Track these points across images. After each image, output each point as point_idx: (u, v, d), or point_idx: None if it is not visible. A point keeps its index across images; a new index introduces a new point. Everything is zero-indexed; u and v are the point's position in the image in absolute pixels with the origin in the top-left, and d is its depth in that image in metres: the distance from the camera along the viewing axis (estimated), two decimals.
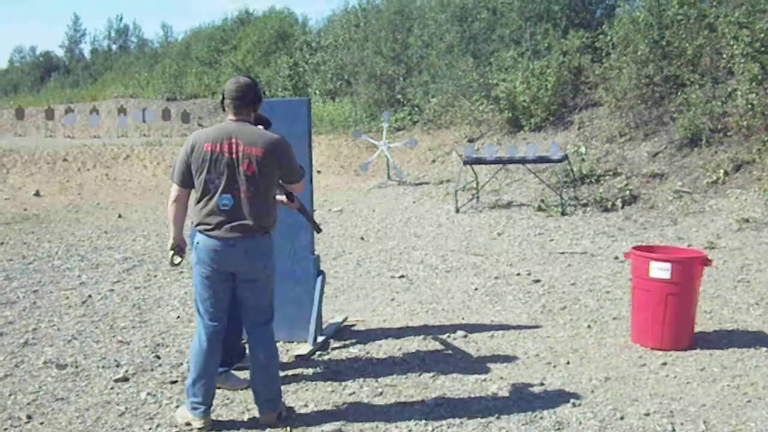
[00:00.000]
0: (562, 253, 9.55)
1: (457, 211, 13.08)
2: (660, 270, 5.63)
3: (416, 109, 20.40)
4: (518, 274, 8.41)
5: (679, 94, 13.54)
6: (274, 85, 28.81)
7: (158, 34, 63.98)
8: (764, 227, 10.02)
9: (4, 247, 10.52)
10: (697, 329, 6.21)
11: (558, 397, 4.85)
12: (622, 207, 12.08)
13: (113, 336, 6.50)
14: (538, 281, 8.07)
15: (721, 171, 11.72)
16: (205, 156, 4.29)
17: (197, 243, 4.40)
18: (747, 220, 10.26)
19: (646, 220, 11.30)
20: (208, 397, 4.47)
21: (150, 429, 4.57)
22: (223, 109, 4.49)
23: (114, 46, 57.46)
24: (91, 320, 6.99)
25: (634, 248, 6.04)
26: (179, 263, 4.67)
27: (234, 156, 4.27)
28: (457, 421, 4.52)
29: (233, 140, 4.29)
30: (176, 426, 4.57)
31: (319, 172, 18.80)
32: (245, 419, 4.63)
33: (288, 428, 4.45)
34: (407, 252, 9.89)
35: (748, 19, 12.28)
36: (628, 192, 12.33)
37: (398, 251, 9.95)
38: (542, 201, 12.88)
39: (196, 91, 32.41)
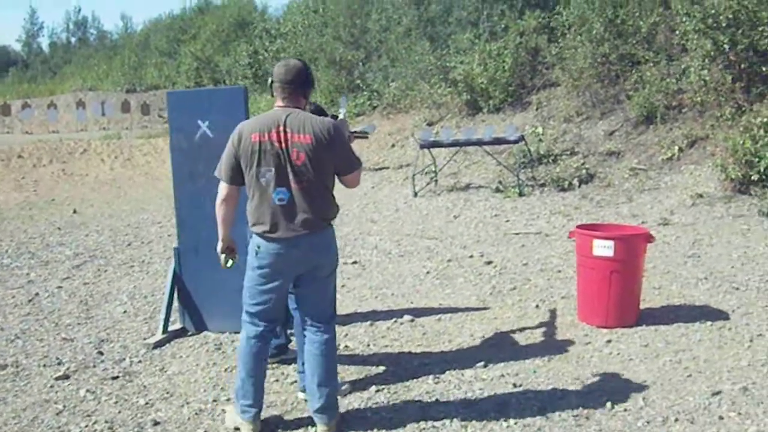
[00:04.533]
0: (517, 233, 9.54)
1: (415, 195, 13.04)
2: (603, 248, 5.62)
3: (375, 94, 20.29)
4: (471, 257, 8.39)
5: (634, 72, 13.59)
6: (234, 73, 28.52)
7: (118, 26, 63.30)
8: (717, 202, 10.09)
9: None
10: (644, 305, 6.24)
11: (500, 379, 4.83)
12: (579, 186, 12.11)
13: (58, 333, 6.38)
14: (490, 263, 8.05)
15: (676, 147, 11.79)
16: (253, 147, 3.93)
17: (258, 248, 4.04)
18: (701, 196, 10.33)
19: (602, 198, 11.34)
20: (259, 401, 4.17)
21: (86, 426, 4.48)
22: (272, 95, 4.11)
23: (73, 39, 56.63)
24: (36, 318, 6.85)
25: (579, 227, 6.02)
26: (232, 266, 4.33)
27: (283, 146, 3.91)
28: (396, 406, 4.48)
29: (281, 128, 3.93)
30: (110, 422, 4.48)
31: None
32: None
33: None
34: (362, 238, 9.83)
35: None
36: (584, 171, 12.37)
37: (353, 237, 9.89)
38: (500, 182, 12.88)
39: (156, 83, 32.02)
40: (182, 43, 33.97)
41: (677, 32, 12.76)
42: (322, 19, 24.84)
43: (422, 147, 13.38)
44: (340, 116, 4.50)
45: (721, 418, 4.14)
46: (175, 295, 6.19)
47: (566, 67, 14.78)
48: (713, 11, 11.47)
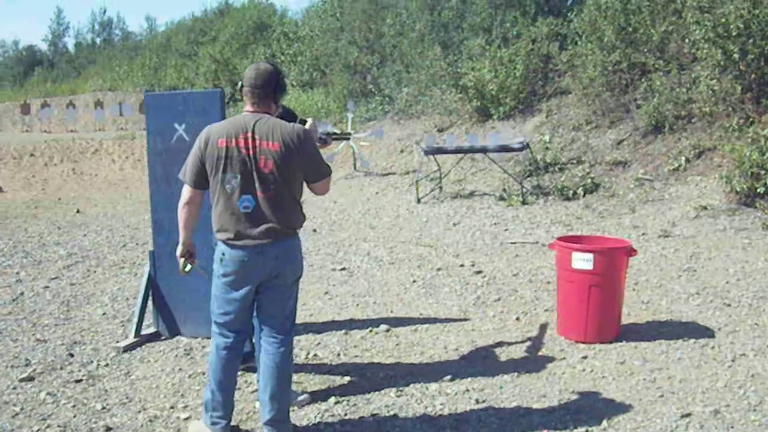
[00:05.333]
0: (513, 243, 9.39)
1: (419, 201, 12.91)
2: (582, 261, 5.46)
3: (387, 99, 20.19)
4: (462, 265, 8.25)
5: (644, 81, 13.37)
6: None
7: (142, 27, 63.68)
8: (721, 214, 9.86)
9: None
10: (629, 320, 6.08)
11: (464, 394, 4.68)
12: (584, 195, 11.90)
13: (33, 334, 6.32)
14: (479, 272, 7.90)
15: (683, 158, 11.55)
16: (219, 153, 3.85)
17: (222, 255, 3.96)
18: (705, 208, 10.10)
19: (605, 208, 11.14)
20: (228, 412, 4.08)
21: (38, 430, 4.40)
22: (241, 98, 3.98)
23: (98, 40, 57.08)
24: (16, 318, 6.81)
25: (559, 239, 5.87)
26: (190, 271, 4.23)
27: (250, 152, 3.83)
28: (352, 420, 4.35)
29: (249, 134, 3.84)
30: (63, 427, 4.40)
31: None
32: None
33: None
34: (357, 244, 9.72)
35: (711, 3, 12.08)
36: (589, 180, 12.16)
37: (348, 243, 9.78)
38: (504, 191, 12.72)
39: (175, 84, 32.11)
40: (201, 45, 34.05)
41: (687, 41, 12.53)
42: (338, 23, 24.78)
43: (426, 153, 13.25)
44: (309, 122, 4.39)
45: None
46: (150, 298, 6.12)
47: (577, 75, 14.59)
48: (724, 20, 11.24)
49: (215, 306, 4.09)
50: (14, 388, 5.10)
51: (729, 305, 6.45)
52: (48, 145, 18.92)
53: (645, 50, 13.62)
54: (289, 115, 4.70)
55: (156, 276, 6.07)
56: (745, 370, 4.97)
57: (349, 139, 5.62)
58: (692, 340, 5.58)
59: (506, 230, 10.33)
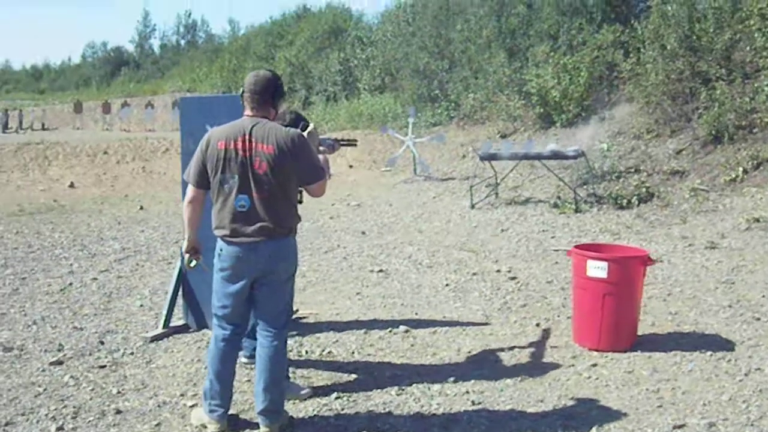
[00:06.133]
0: (556, 250, 9.35)
1: (472, 207, 12.93)
2: (597, 269, 5.46)
3: (453, 104, 20.25)
4: (498, 271, 8.27)
5: (707, 89, 13.10)
6: (325, 80, 28.98)
7: (225, 29, 65.16)
8: None
9: (17, 236, 10.87)
10: (652, 330, 6.05)
11: (462, 395, 4.75)
12: (638, 205, 11.73)
13: (72, 322, 6.65)
14: (514, 278, 7.92)
15: (740, 169, 11.30)
16: (219, 155, 4.07)
17: (220, 251, 4.18)
18: (757, 220, 9.85)
19: (657, 218, 10.97)
20: (226, 400, 4.27)
21: (55, 409, 4.67)
22: (243, 104, 4.26)
23: (182, 42, 58.74)
24: (59, 307, 7.16)
25: (577, 246, 5.87)
26: (195, 266, 4.45)
27: (247, 154, 4.04)
28: (348, 414, 4.48)
29: (246, 137, 4.05)
30: (77, 408, 4.66)
31: (351, 166, 18.89)
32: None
33: None
34: (401, 247, 9.83)
35: None
36: (644, 189, 11.98)
37: (392, 246, 9.90)
38: (558, 198, 12.64)
39: None
40: (279, 48, 34.77)
41: (749, 49, 12.24)
42: (410, 28, 24.98)
43: (482, 159, 13.27)
44: (310, 128, 4.56)
45: None
46: (180, 292, 6.37)
47: (639, 83, 14.39)
48: None
49: (215, 299, 4.31)
50: (43, 371, 5.41)
51: (759, 319, 6.31)
52: (122, 144, 19.64)
53: (709, 59, 13.35)
54: (298, 119, 4.86)
55: (186, 271, 6.30)
56: (755, 384, 4.89)
57: (356, 145, 5.75)
58: (709, 353, 5.50)
59: (553, 237, 10.29)
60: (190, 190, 4.27)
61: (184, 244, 4.41)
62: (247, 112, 4.21)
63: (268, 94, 4.19)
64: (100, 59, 59.92)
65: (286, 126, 4.61)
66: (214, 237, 4.29)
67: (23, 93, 60.08)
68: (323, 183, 4.28)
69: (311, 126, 4.61)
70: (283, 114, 4.98)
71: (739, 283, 7.51)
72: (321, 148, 5.08)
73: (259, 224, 4.08)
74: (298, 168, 4.13)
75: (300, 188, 4.39)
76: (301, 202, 4.96)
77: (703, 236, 9.71)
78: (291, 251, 4.26)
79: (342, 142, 5.44)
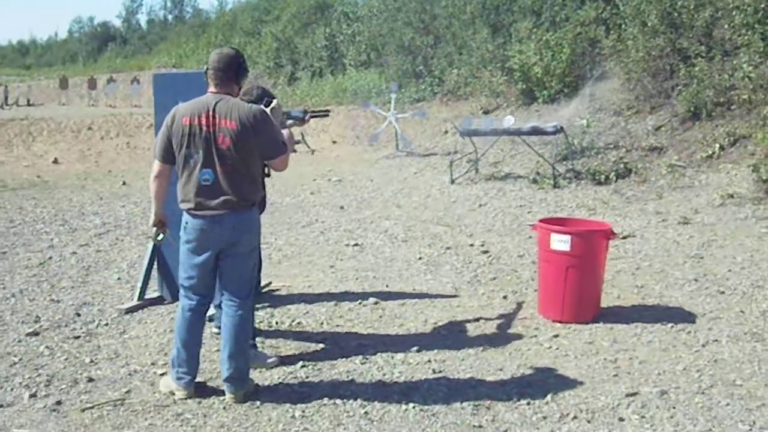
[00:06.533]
0: (531, 225, 9.46)
1: (452, 182, 13.04)
2: (560, 242, 5.59)
3: (437, 80, 20.29)
4: (471, 245, 8.40)
5: (686, 67, 13.19)
6: (311, 55, 28.92)
7: (212, 4, 64.68)
8: (747, 203, 9.74)
9: None
10: (617, 303, 6.20)
11: (425, 364, 4.88)
12: (616, 180, 11.85)
13: (50, 295, 6.75)
14: (486, 252, 8.05)
15: (717, 145, 11.41)
16: (184, 130, 4.19)
17: (186, 224, 4.31)
18: (731, 196, 9.99)
19: (633, 194, 11.10)
20: (193, 369, 4.40)
21: (29, 377, 4.81)
22: (207, 81, 4.36)
23: (170, 17, 58.33)
24: (38, 280, 7.26)
25: (541, 220, 6.00)
26: (162, 239, 4.59)
27: (210, 130, 4.15)
28: (312, 382, 4.61)
29: (210, 113, 4.17)
30: (50, 376, 4.78)
31: (334, 142, 18.96)
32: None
33: None
34: (378, 222, 9.94)
35: None
36: (622, 165, 12.10)
37: (370, 221, 10.01)
38: (537, 173, 12.76)
39: None
40: (265, 23, 34.60)
41: (726, 26, 12.33)
42: (395, 3, 24.90)
43: (462, 135, 13.37)
44: (273, 103, 4.67)
45: (621, 419, 4.10)
46: (155, 265, 6.47)
47: (621, 60, 14.47)
48: (764, 5, 11.04)
49: (181, 270, 4.44)
50: (19, 341, 5.52)
51: (723, 293, 6.46)
52: (106, 120, 19.66)
53: (690, 36, 13.42)
54: (263, 95, 4.96)
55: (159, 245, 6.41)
56: (710, 355, 5.03)
57: (327, 115, 5.87)
58: (670, 325, 5.64)
59: (529, 213, 10.41)
60: (156, 164, 4.40)
61: (151, 218, 4.54)
62: (211, 89, 4.32)
63: (231, 72, 4.31)
64: (87, 34, 59.51)
65: (253, 101, 4.74)
66: (180, 211, 4.40)
67: (8, 69, 59.66)
68: (285, 157, 4.41)
69: (275, 102, 4.71)
70: (250, 90, 5.08)
71: (708, 258, 7.66)
72: (289, 122, 5.19)
73: (222, 197, 4.20)
74: (260, 143, 4.25)
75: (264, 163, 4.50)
76: (268, 175, 5.09)
77: (677, 212, 9.84)
78: (254, 224, 4.39)
79: (313, 113, 5.54)
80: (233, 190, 4.20)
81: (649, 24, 13.74)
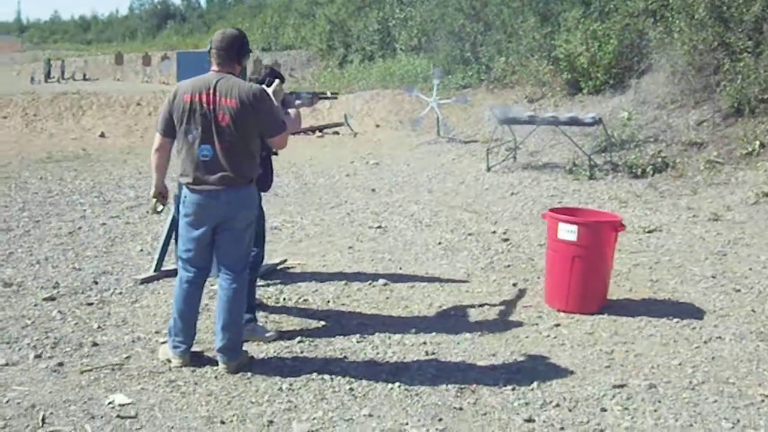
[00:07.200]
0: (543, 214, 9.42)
1: (488, 170, 13.01)
2: (567, 232, 5.58)
3: (485, 67, 20.19)
4: (494, 232, 8.40)
5: (732, 62, 12.92)
6: (363, 38, 28.98)
7: None
8: None
9: (40, 182, 11.27)
10: (628, 296, 6.18)
11: (419, 346, 4.94)
12: (653, 174, 11.70)
13: (73, 263, 6.97)
14: (506, 240, 8.04)
15: (757, 143, 11.18)
16: (184, 106, 4.31)
17: (184, 197, 4.45)
18: (766, 195, 9.81)
19: (668, 188, 10.95)
20: (189, 338, 4.55)
21: (37, 339, 5.02)
22: (209, 60, 4.49)
23: None
24: (64, 249, 7.49)
25: (552, 210, 5.99)
26: (161, 211, 4.80)
27: (210, 107, 4.28)
28: (306, 357, 4.71)
29: (211, 91, 4.28)
30: (57, 339, 4.95)
31: (378, 126, 19.01)
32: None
33: None
34: (406, 205, 9.98)
35: None
36: (660, 159, 11.95)
37: (398, 204, 10.06)
38: (574, 164, 12.65)
39: (291, 43, 32.98)
40: (320, 5, 34.74)
41: None
42: None
43: (499, 122, 13.31)
44: (275, 84, 4.76)
45: (603, 410, 4.10)
46: (173, 238, 6.63)
47: (666, 53, 14.24)
48: None
49: (180, 243, 4.59)
50: (35, 305, 5.75)
51: (738, 290, 6.37)
52: (155, 96, 19.98)
53: (738, 30, 13.13)
54: (273, 74, 5.06)
55: (179, 218, 6.56)
56: (710, 352, 4.98)
57: (336, 98, 5.95)
58: (675, 320, 5.59)
59: (560, 203, 10.33)
60: (158, 138, 4.55)
61: (152, 190, 4.72)
62: (214, 67, 4.45)
63: (234, 51, 4.43)
64: (147, 11, 60.52)
65: (260, 81, 4.84)
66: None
67: (68, 44, 60.96)
68: (284, 136, 4.52)
69: (276, 82, 4.79)
70: (259, 69, 5.18)
71: (731, 255, 7.54)
72: (297, 102, 5.27)
73: (220, 173, 4.32)
74: (259, 121, 4.37)
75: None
76: (276, 153, 5.18)
77: (709, 208, 9.70)
78: (251, 200, 4.50)
79: (321, 96, 5.62)
80: (231, 166, 4.31)
81: (696, 17, 13.48)
